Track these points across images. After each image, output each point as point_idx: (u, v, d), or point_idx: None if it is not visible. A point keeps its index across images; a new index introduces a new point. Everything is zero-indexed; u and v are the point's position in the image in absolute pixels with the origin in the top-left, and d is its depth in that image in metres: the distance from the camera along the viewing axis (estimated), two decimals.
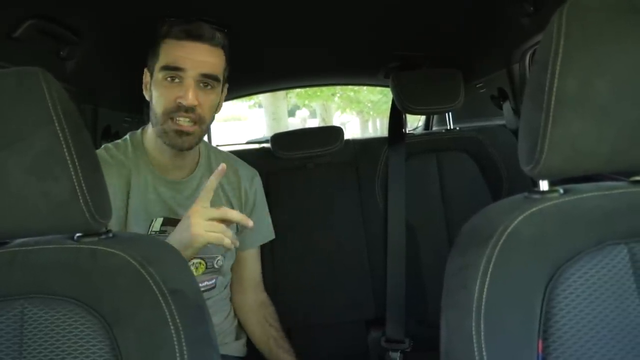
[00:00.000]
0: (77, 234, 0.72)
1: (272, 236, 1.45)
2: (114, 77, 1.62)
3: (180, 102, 1.09)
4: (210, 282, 1.27)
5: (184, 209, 1.19)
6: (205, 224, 1.00)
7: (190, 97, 1.08)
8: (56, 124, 0.64)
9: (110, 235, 0.74)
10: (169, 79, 1.10)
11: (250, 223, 1.06)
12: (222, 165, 1.07)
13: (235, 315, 1.42)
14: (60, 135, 0.64)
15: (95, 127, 1.61)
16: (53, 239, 0.73)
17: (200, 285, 1.21)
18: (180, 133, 1.11)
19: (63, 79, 1.30)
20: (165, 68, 1.10)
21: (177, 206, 1.20)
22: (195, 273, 1.22)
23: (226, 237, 1.02)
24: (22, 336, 0.68)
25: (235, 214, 1.05)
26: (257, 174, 1.41)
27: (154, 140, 1.18)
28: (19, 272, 0.70)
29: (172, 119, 1.11)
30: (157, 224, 1.18)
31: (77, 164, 0.65)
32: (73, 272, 0.69)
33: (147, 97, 1.18)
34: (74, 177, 0.65)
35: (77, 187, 0.65)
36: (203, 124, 1.15)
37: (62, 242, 0.72)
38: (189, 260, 1.19)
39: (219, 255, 1.26)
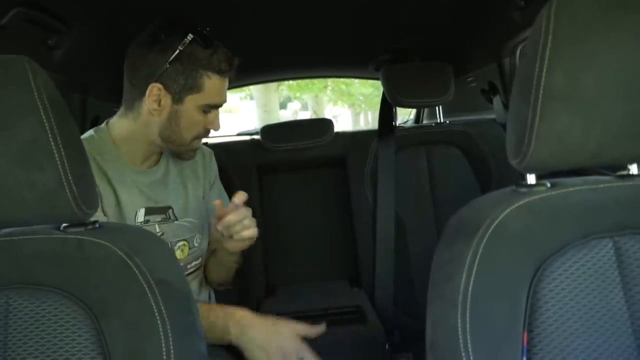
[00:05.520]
0: (63, 224, 0.72)
1: None
2: (103, 67, 1.61)
3: (209, 129, 1.18)
4: (197, 262, 1.29)
5: (158, 192, 1.22)
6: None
7: (219, 125, 1.20)
8: (42, 113, 0.63)
9: (97, 225, 0.73)
10: (204, 111, 1.16)
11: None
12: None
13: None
14: (46, 124, 0.64)
15: (84, 117, 1.59)
16: (39, 229, 0.72)
17: (189, 265, 1.26)
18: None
19: (51, 69, 1.29)
20: (213, 106, 1.16)
21: (152, 192, 1.21)
22: (181, 255, 1.23)
23: None
24: (6, 327, 0.68)
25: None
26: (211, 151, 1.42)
27: (126, 134, 1.18)
28: (5, 262, 0.69)
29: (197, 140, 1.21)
30: (140, 215, 1.18)
31: (62, 153, 0.65)
32: (59, 262, 0.69)
33: (156, 111, 1.11)
34: (59, 166, 0.64)
35: (63, 177, 0.65)
36: None
37: (48, 232, 0.71)
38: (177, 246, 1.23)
39: (197, 234, 1.28)
